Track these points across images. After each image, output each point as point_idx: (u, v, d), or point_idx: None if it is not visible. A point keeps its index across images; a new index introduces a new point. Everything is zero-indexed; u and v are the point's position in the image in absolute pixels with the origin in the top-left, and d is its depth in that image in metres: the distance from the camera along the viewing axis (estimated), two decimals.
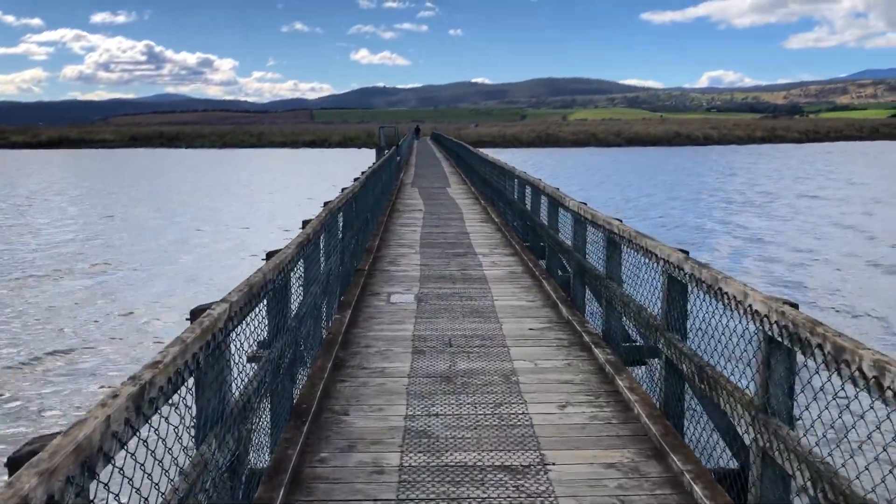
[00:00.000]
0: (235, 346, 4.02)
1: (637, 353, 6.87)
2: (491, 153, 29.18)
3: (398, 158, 31.71)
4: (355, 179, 12.19)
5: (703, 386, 4.53)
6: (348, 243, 9.74)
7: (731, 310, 4.10)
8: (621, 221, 7.03)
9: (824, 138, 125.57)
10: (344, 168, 53.72)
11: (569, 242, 9.14)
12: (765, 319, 3.67)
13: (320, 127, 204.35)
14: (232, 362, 3.85)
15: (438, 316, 8.36)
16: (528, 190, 12.55)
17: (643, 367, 6.81)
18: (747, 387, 3.96)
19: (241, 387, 4.08)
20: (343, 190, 10.28)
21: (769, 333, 3.64)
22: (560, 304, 8.58)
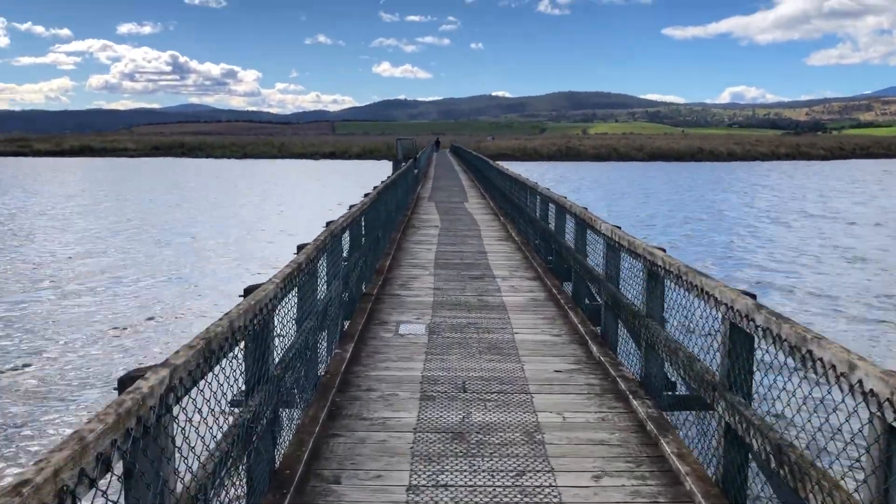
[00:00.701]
0: (186, 414, 3.13)
1: (682, 405, 5.91)
2: (511, 166, 28.34)
3: (416, 171, 30.86)
4: (366, 195, 11.32)
5: (781, 471, 3.56)
6: (355, 265, 8.85)
7: (829, 383, 3.14)
8: (664, 251, 6.08)
9: (850, 155, 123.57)
10: (360, 181, 52.86)
11: (599, 269, 8.19)
12: (885, 405, 2.71)
13: (341, 139, 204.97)
14: (175, 444, 2.95)
15: (451, 352, 7.43)
16: (553, 208, 11.61)
17: (690, 422, 5.86)
18: (856, 490, 2.99)
19: (193, 472, 3.18)
20: (351, 207, 9.40)
21: (893, 424, 2.69)
22: (590, 341, 7.62)
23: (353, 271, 8.61)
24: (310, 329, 5.75)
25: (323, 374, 6.44)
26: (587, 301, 9.24)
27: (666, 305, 6.05)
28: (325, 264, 6.98)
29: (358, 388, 6.35)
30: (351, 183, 58.09)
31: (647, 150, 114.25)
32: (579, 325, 8.24)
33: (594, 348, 7.37)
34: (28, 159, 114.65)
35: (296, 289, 5.60)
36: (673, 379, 6.17)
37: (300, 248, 6.16)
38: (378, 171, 53.04)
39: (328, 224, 7.51)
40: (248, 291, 4.52)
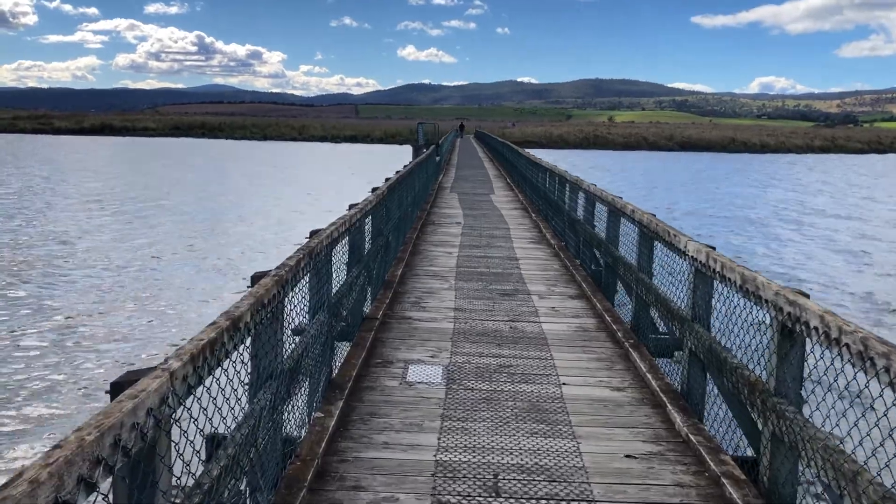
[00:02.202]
0: None
1: None
2: (537, 154, 26.18)
3: (437, 158, 28.73)
4: (373, 190, 9.26)
5: None
6: (353, 283, 6.83)
7: None
8: (808, 296, 3.99)
9: (888, 149, 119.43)
10: (376, 167, 50.52)
11: (678, 301, 6.10)
12: None
13: (362, 122, 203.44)
14: None
15: (477, 415, 5.38)
16: (604, 210, 9.46)
17: None
18: None
19: None
20: (350, 208, 7.36)
21: None
22: (668, 404, 5.52)
23: (349, 293, 6.57)
24: (262, 410, 3.72)
25: (291, 461, 4.40)
26: (652, 336, 7.17)
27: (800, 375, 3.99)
28: (302, 295, 4.96)
29: (341, 482, 4.33)
30: (367, 169, 55.95)
31: (677, 140, 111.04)
32: (648, 375, 6.14)
33: (677, 418, 5.27)
34: (48, 137, 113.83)
35: (252, 337, 3.62)
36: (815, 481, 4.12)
37: (256, 279, 4.12)
38: (399, 157, 50.87)
39: (312, 235, 5.47)
40: (117, 389, 2.49)
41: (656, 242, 6.97)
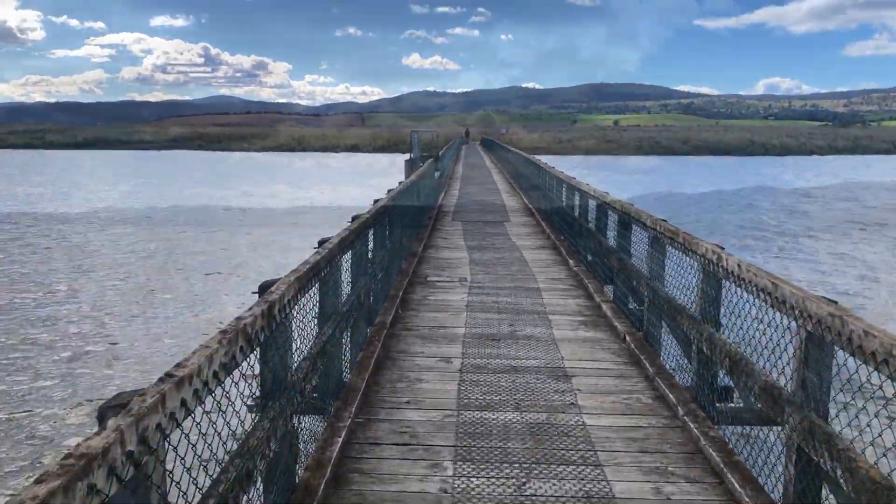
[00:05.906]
0: None
1: None
2: (547, 161, 21.16)
3: (437, 173, 23.67)
4: (260, 291, 4.17)
5: None
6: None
7: None
8: None
9: None
10: (355, 188, 45.17)
11: None
12: None
13: (365, 130, 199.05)
14: None
15: None
16: (795, 334, 4.28)
17: None
18: None
19: None
20: (166, 378, 2.29)
21: None
22: None
23: None
24: None
25: None
26: None
27: None
28: None
29: None
30: (347, 188, 50.82)
31: (693, 143, 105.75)
32: None
33: None
34: (35, 152, 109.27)
35: None
36: None
37: None
38: (398, 168, 45.83)
39: None
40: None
41: None
